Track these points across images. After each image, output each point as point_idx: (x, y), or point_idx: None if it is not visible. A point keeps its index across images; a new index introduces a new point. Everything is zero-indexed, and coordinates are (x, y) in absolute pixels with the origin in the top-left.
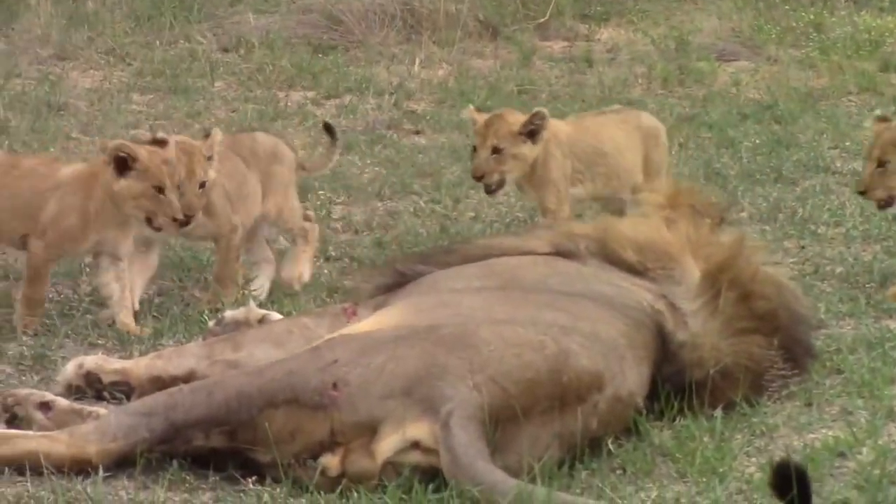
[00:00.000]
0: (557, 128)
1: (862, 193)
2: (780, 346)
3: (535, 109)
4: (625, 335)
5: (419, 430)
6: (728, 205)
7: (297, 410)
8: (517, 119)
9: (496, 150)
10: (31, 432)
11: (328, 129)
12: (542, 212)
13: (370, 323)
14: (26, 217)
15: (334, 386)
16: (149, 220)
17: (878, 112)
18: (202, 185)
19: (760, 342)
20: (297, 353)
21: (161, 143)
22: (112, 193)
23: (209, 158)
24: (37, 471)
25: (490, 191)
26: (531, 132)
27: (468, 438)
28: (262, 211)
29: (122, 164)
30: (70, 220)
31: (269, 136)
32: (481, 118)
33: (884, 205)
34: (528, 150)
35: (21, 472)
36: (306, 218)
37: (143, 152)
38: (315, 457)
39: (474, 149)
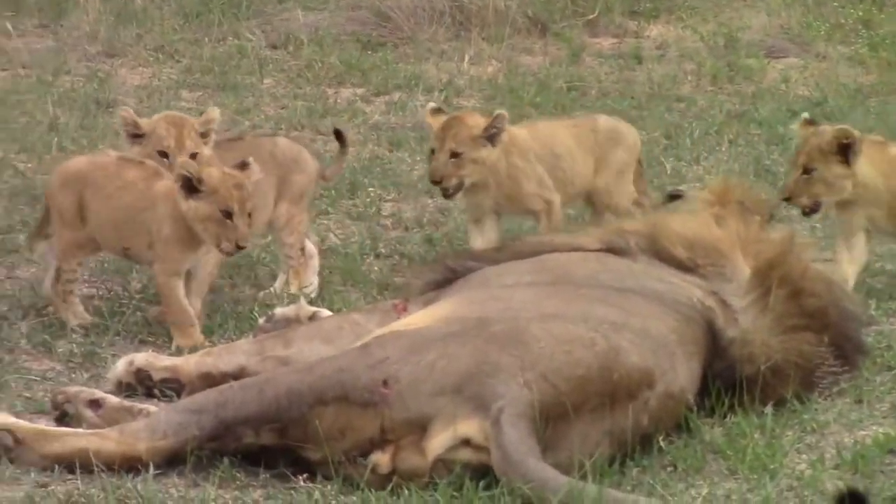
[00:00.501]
0: (515, 133)
1: (787, 200)
2: (830, 343)
3: (496, 112)
4: (675, 331)
5: (470, 427)
6: (777, 202)
7: (348, 408)
8: (477, 122)
9: (455, 154)
10: (81, 430)
11: (338, 135)
12: (536, 217)
13: (420, 319)
14: (126, 231)
15: (385, 383)
16: (216, 244)
17: (805, 114)
18: (193, 157)
19: (811, 339)
20: (347, 350)
21: (244, 166)
22: (182, 213)
23: (204, 135)
24: (87, 469)
25: (448, 195)
26: (491, 135)
27: (519, 436)
28: (272, 217)
29: (190, 185)
30: (173, 234)
31: (293, 144)
32: (438, 121)
33: (809, 212)
34: (488, 154)
35: (71, 470)
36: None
37: (213, 174)
38: (365, 454)
39: (432, 151)
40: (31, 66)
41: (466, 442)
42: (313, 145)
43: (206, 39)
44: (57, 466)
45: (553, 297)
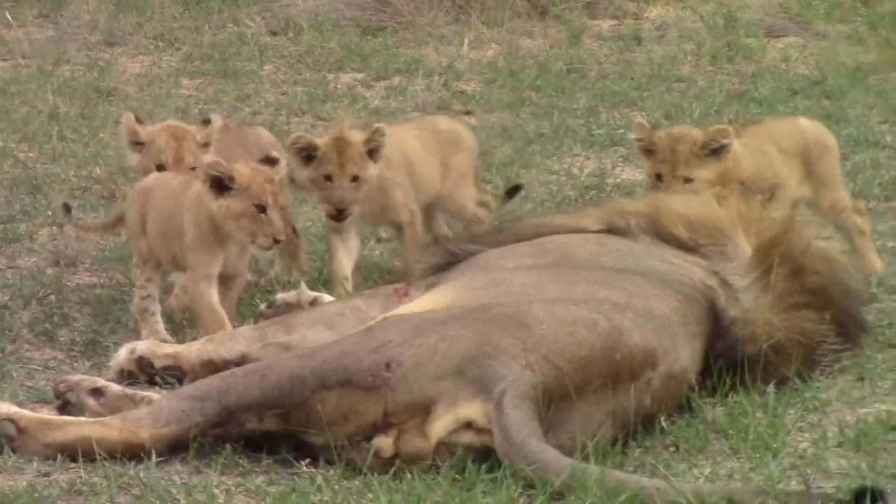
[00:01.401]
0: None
1: None
2: (831, 321)
3: (375, 126)
4: (677, 311)
5: (472, 409)
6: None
7: (350, 392)
8: (359, 138)
9: (355, 178)
10: (83, 418)
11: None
12: (400, 228)
13: (422, 303)
14: (170, 241)
15: (387, 367)
16: (252, 240)
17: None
18: (192, 169)
19: (812, 317)
20: (350, 334)
21: (271, 161)
22: (211, 214)
23: (205, 145)
24: (90, 457)
25: (343, 219)
26: (371, 150)
27: (521, 418)
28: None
29: (220, 184)
30: (198, 238)
31: (270, 135)
32: (324, 142)
33: None
34: (374, 170)
35: (74, 459)
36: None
37: (243, 170)
38: (368, 438)
39: (326, 177)
40: (31, 55)
41: (469, 425)
42: (314, 131)
43: (206, 27)
44: (59, 455)
45: (555, 280)
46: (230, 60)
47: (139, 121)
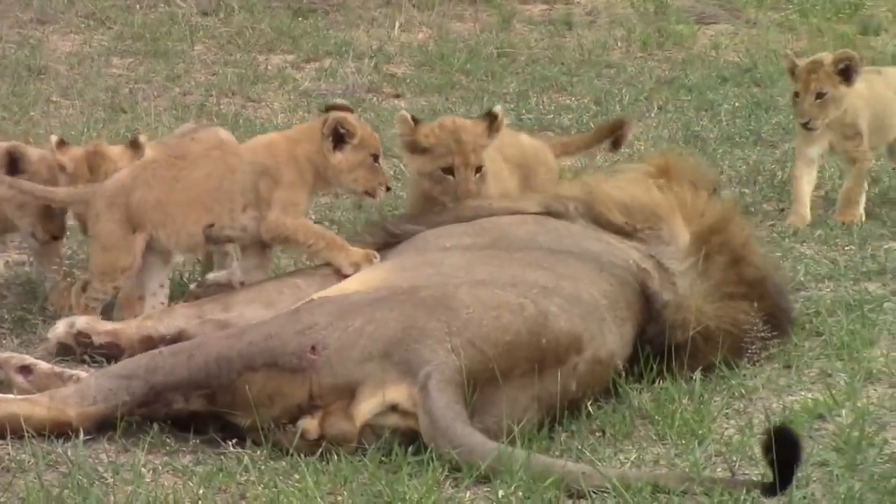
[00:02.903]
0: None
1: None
2: (763, 313)
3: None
4: (607, 296)
5: (398, 393)
6: (717, 174)
7: (276, 374)
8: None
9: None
10: (10, 395)
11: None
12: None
13: (352, 284)
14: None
15: (313, 349)
16: (365, 189)
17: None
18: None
19: (746, 308)
20: (277, 315)
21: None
22: (329, 167)
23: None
24: (18, 434)
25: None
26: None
27: (446, 401)
28: None
29: (340, 138)
30: (298, 182)
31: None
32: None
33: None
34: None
35: (2, 436)
36: None
37: (356, 124)
38: (294, 421)
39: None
40: None
41: (394, 408)
42: (244, 111)
43: (137, 6)
44: None
45: (486, 262)
46: (161, 40)
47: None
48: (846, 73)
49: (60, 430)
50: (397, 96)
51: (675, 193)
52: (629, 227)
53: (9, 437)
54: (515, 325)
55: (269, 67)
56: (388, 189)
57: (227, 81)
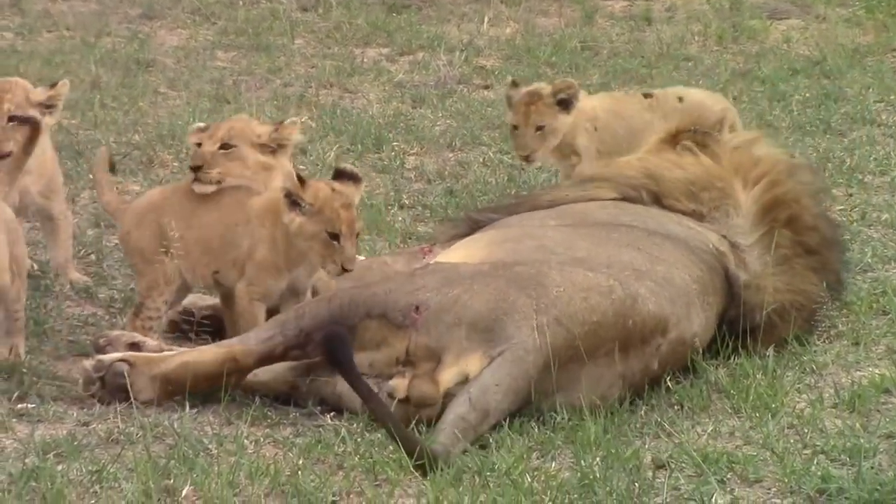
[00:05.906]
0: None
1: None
2: (826, 282)
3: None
4: (698, 280)
5: (472, 364)
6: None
7: (385, 325)
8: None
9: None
10: (175, 349)
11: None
12: None
13: (460, 254)
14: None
15: (417, 309)
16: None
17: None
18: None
19: (813, 279)
20: (399, 274)
21: (354, 178)
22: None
23: (49, 106)
24: (189, 385)
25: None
26: None
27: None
28: None
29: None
30: (268, 257)
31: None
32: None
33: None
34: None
35: (179, 389)
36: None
37: (320, 191)
38: (390, 376)
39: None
40: (74, 28)
41: (468, 378)
42: (342, 102)
43: (241, 2)
44: (97, 407)
45: (584, 239)
46: (263, 35)
47: None
48: (565, 103)
49: (229, 369)
50: (486, 87)
51: (724, 156)
52: (698, 213)
53: (118, 410)
54: (603, 307)
55: (366, 60)
56: (345, 270)
57: (326, 74)
